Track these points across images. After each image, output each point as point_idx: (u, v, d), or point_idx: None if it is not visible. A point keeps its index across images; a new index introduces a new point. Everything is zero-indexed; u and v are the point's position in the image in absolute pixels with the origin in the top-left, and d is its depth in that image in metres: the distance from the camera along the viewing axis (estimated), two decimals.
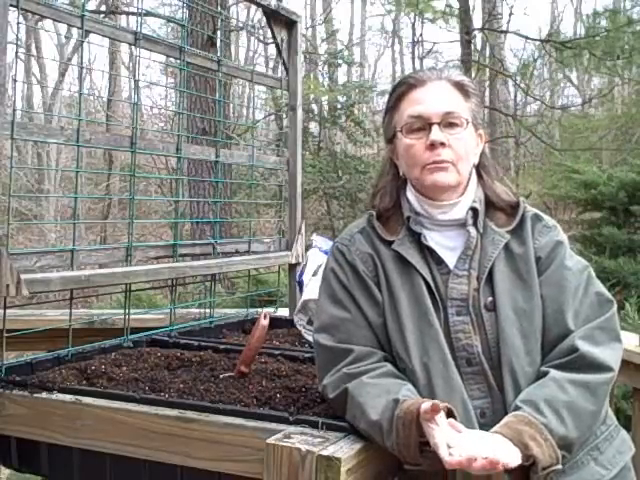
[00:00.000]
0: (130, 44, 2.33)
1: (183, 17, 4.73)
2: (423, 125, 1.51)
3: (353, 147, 13.48)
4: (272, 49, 13.58)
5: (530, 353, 1.45)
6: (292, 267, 2.96)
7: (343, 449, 1.38)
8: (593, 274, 1.54)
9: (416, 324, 1.48)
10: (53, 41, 19.91)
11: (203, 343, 2.28)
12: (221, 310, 2.99)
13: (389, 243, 1.55)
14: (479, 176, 1.60)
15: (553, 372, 1.42)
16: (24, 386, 1.77)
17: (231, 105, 12.51)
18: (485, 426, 1.41)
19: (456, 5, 10.99)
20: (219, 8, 6.36)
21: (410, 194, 1.58)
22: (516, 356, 1.44)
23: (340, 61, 13.49)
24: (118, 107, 14.63)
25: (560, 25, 17.08)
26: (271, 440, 1.40)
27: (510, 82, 13.80)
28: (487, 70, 12.99)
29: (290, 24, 2.95)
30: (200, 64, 2.68)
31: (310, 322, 2.38)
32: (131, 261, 2.24)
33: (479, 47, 13.69)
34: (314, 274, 2.53)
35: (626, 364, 2.29)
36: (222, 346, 2.24)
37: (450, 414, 1.35)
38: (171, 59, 2.66)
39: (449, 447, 1.28)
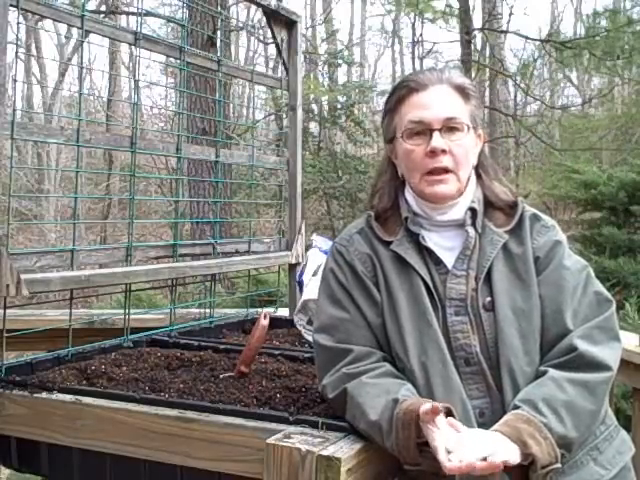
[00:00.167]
0: (130, 44, 2.33)
1: (183, 17, 4.74)
2: (424, 130, 1.50)
3: (353, 147, 13.48)
4: (272, 49, 13.59)
5: (529, 353, 1.45)
6: (292, 267, 2.97)
7: (343, 449, 1.38)
8: (592, 274, 1.54)
9: (415, 324, 1.48)
10: (53, 41, 19.93)
11: (203, 343, 2.28)
12: (221, 310, 2.99)
13: (387, 243, 1.55)
14: (478, 176, 1.60)
15: (552, 371, 1.42)
16: (24, 386, 1.77)
17: (231, 105, 12.51)
18: (484, 426, 1.41)
19: (456, 5, 10.99)
20: (219, 8, 6.36)
21: (408, 195, 1.58)
22: (515, 356, 1.44)
23: (340, 61, 13.50)
24: (118, 107, 14.63)
25: (560, 25, 17.10)
26: (271, 440, 1.40)
27: (510, 82, 13.81)
28: (487, 70, 13.00)
29: (290, 24, 2.95)
30: (200, 64, 2.68)
31: (310, 322, 2.38)
32: (131, 261, 2.24)
33: (479, 47, 13.70)
34: (314, 274, 2.53)
35: (626, 364, 2.30)
36: (222, 346, 2.24)
37: (449, 414, 1.36)
38: (171, 59, 2.66)
39: (448, 452, 1.27)
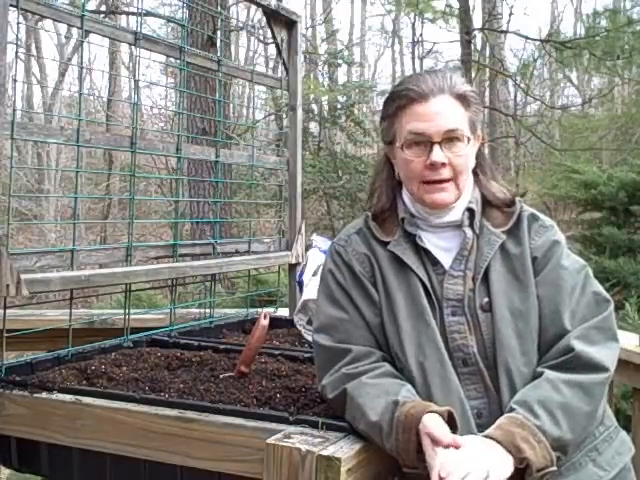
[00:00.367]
0: (130, 44, 2.33)
1: (183, 17, 4.74)
2: (424, 141, 1.49)
3: (353, 147, 13.48)
4: (272, 49, 13.59)
5: (526, 354, 1.45)
6: (292, 267, 2.97)
7: (343, 449, 1.38)
8: (590, 273, 1.54)
9: (413, 324, 1.48)
10: (53, 41, 19.93)
11: (203, 343, 2.28)
12: (221, 310, 2.99)
13: (385, 244, 1.55)
14: (475, 175, 1.59)
15: (548, 372, 1.42)
16: (24, 386, 1.77)
17: (231, 105, 12.51)
18: (481, 426, 1.41)
19: (456, 5, 10.99)
20: (219, 8, 6.36)
21: (406, 196, 1.58)
22: (512, 357, 1.44)
23: (340, 61, 13.50)
24: (118, 107, 14.63)
25: (560, 25, 17.10)
26: (271, 440, 1.40)
27: (510, 82, 13.82)
28: (487, 70, 13.01)
29: (290, 24, 2.95)
30: (200, 64, 2.68)
31: (310, 322, 2.39)
32: (131, 261, 2.24)
33: (479, 47, 13.70)
34: (314, 274, 2.53)
35: (626, 364, 2.29)
36: (222, 346, 2.24)
37: (450, 417, 1.36)
38: (171, 59, 2.66)
39: (440, 478, 1.26)
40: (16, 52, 2.16)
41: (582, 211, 7.29)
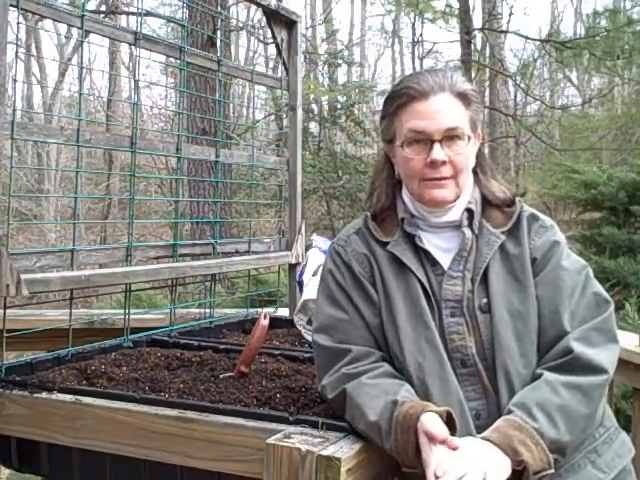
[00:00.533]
0: (130, 44, 2.33)
1: (183, 17, 4.74)
2: (424, 139, 1.48)
3: (353, 147, 13.48)
4: (272, 49, 13.59)
5: (525, 355, 1.44)
6: (292, 267, 2.96)
7: (343, 449, 1.38)
8: (591, 274, 1.53)
9: (412, 325, 1.48)
10: (53, 41, 19.94)
11: (203, 343, 2.28)
12: (221, 310, 2.99)
13: (384, 244, 1.55)
14: (475, 174, 1.59)
15: (547, 374, 1.42)
16: (24, 386, 1.77)
17: (231, 105, 12.51)
18: (480, 427, 1.41)
19: (456, 5, 10.99)
20: (219, 8, 6.36)
21: (405, 196, 1.58)
22: (510, 358, 1.43)
23: (340, 61, 13.50)
24: (118, 107, 14.64)
25: (560, 25, 17.11)
26: (271, 440, 1.40)
27: (510, 82, 13.82)
28: (487, 70, 13.01)
29: (290, 24, 2.95)
30: (200, 64, 2.68)
31: (310, 322, 2.39)
32: (131, 261, 2.24)
33: (479, 47, 13.70)
34: (314, 274, 2.53)
35: (626, 364, 2.29)
36: (222, 346, 2.24)
37: (449, 418, 1.35)
38: (171, 59, 2.66)
39: (437, 477, 1.27)
40: (16, 52, 2.16)
41: (582, 211, 7.29)
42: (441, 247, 1.53)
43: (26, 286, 1.80)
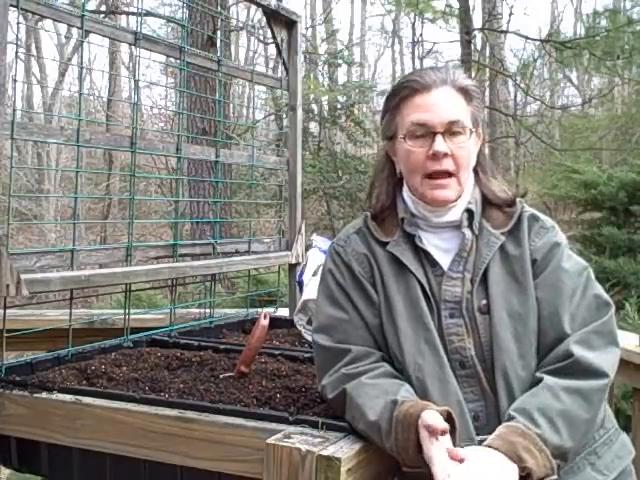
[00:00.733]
0: (130, 44, 2.32)
1: (183, 17, 4.73)
2: (426, 133, 1.48)
3: (353, 147, 13.48)
4: (272, 49, 13.59)
5: (524, 357, 1.44)
6: (292, 267, 2.96)
7: (343, 449, 1.38)
8: (592, 276, 1.52)
9: (412, 326, 1.47)
10: (53, 41, 19.95)
11: (203, 343, 2.28)
12: (221, 310, 2.99)
13: (384, 244, 1.55)
14: (475, 173, 1.58)
15: (547, 379, 1.41)
16: (24, 386, 1.77)
17: (231, 105, 12.51)
18: (479, 429, 1.41)
19: (456, 5, 11.00)
20: (219, 8, 6.36)
21: (406, 195, 1.57)
22: (509, 360, 1.43)
23: (340, 61, 13.50)
24: (118, 107, 14.64)
25: (560, 25, 17.11)
26: (271, 440, 1.40)
27: (510, 82, 13.82)
28: (487, 70, 13.00)
29: (290, 24, 2.95)
30: (200, 64, 2.68)
31: (310, 322, 2.38)
32: (131, 261, 2.24)
33: (479, 47, 13.70)
34: (314, 274, 2.53)
35: (626, 364, 2.29)
36: (222, 346, 2.23)
37: (449, 417, 1.35)
38: (171, 59, 2.66)
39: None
40: (16, 52, 2.16)
41: (582, 211, 7.30)
42: (441, 247, 1.53)
43: (26, 286, 1.80)
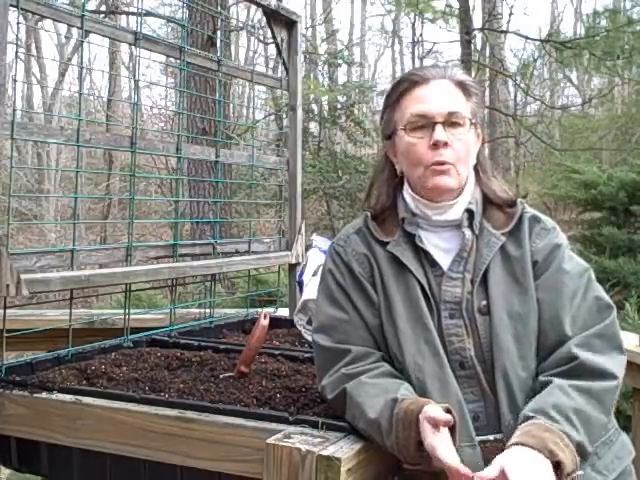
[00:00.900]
0: (130, 44, 2.32)
1: (183, 17, 4.73)
2: (426, 124, 1.49)
3: (353, 147, 13.48)
4: (272, 49, 13.59)
5: (524, 358, 1.43)
6: (292, 267, 2.96)
7: (343, 449, 1.38)
8: (593, 277, 1.52)
9: (411, 327, 1.47)
10: (53, 41, 19.95)
11: (203, 343, 2.28)
12: (221, 310, 2.99)
13: (384, 244, 1.55)
14: (476, 173, 1.58)
15: (555, 380, 1.39)
16: (24, 386, 1.77)
17: (231, 105, 12.51)
18: (478, 429, 1.41)
19: (456, 5, 10.99)
20: (219, 8, 6.36)
21: (407, 194, 1.56)
22: (509, 361, 1.42)
23: (340, 61, 13.50)
24: (118, 107, 14.64)
25: (560, 25, 17.11)
26: (271, 440, 1.40)
27: (510, 82, 13.81)
28: (487, 70, 13.01)
29: (290, 24, 2.95)
30: (200, 64, 2.68)
31: (310, 322, 2.39)
32: (131, 261, 2.24)
33: (479, 47, 13.70)
34: (314, 274, 2.53)
35: (627, 364, 2.28)
36: (222, 346, 2.24)
37: (449, 414, 1.35)
38: (171, 59, 2.66)
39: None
40: (16, 52, 2.16)
41: (582, 211, 7.29)
42: (441, 247, 1.53)
43: (26, 286, 1.80)
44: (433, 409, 1.32)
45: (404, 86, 1.54)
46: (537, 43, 11.73)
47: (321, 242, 2.68)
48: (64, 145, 2.47)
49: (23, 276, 1.80)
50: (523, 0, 23.06)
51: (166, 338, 2.34)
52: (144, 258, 2.37)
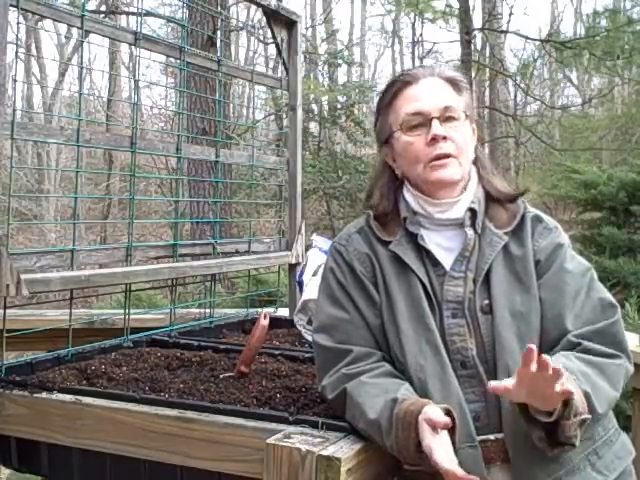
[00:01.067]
0: (130, 44, 2.32)
1: (183, 17, 4.74)
2: (422, 121, 1.50)
3: (353, 147, 13.48)
4: (272, 49, 13.59)
5: None
6: (292, 267, 2.96)
7: (343, 449, 1.38)
8: (595, 277, 1.52)
9: (413, 326, 1.47)
10: (53, 41, 19.95)
11: (203, 343, 2.28)
12: (221, 310, 2.99)
13: (386, 243, 1.54)
14: (476, 170, 1.59)
15: (559, 353, 1.40)
16: (24, 386, 1.77)
17: (231, 105, 12.51)
18: (479, 429, 1.41)
19: (456, 5, 10.99)
20: (219, 8, 6.36)
21: (408, 194, 1.56)
22: (512, 360, 1.42)
23: (340, 61, 13.50)
24: (118, 107, 14.64)
25: (560, 25, 17.12)
26: (271, 440, 1.40)
27: (510, 82, 13.81)
28: (487, 70, 13.02)
29: (290, 24, 2.95)
30: (200, 64, 2.68)
31: (310, 322, 2.38)
32: (131, 261, 2.24)
33: (479, 47, 13.71)
34: (314, 274, 2.53)
35: None
36: (222, 346, 2.23)
37: (448, 414, 1.35)
38: (171, 59, 2.66)
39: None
40: (16, 52, 2.16)
41: (582, 211, 7.28)
42: (443, 246, 1.52)
43: (26, 286, 1.80)
44: (432, 410, 1.32)
45: (395, 87, 1.55)
46: (537, 43, 11.74)
47: (321, 242, 2.68)
48: (64, 145, 2.46)
49: (23, 276, 1.80)
50: (523, 0, 23.09)
51: (166, 338, 2.34)
52: (144, 258, 2.37)
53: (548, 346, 1.45)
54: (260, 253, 2.88)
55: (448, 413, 1.35)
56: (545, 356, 1.22)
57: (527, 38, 11.61)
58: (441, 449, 1.28)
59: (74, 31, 12.79)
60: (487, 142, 13.49)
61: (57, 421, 1.68)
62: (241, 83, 13.16)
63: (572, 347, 1.42)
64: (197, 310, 2.80)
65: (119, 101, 15.49)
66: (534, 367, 1.22)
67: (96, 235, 13.16)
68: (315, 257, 2.62)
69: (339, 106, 12.26)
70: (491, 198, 1.56)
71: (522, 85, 12.97)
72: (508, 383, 1.28)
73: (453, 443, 1.32)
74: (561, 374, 1.22)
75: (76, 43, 14.66)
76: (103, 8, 12.30)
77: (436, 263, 1.52)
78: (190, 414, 1.57)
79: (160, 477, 1.62)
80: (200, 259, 2.68)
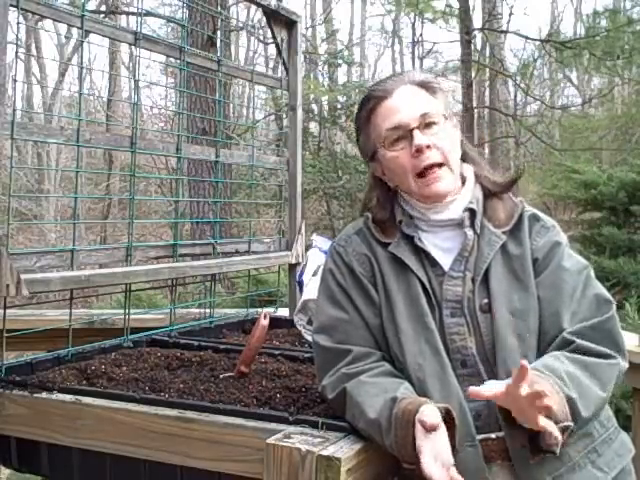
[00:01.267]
0: (130, 44, 2.32)
1: (183, 17, 4.73)
2: (403, 134, 1.50)
3: (353, 147, 13.45)
4: (272, 49, 13.59)
5: (526, 355, 1.43)
6: (292, 267, 2.96)
7: (343, 449, 1.38)
8: (592, 274, 1.53)
9: (412, 326, 1.47)
10: (53, 41, 19.96)
11: (203, 343, 2.28)
12: (221, 310, 2.99)
13: (385, 245, 1.55)
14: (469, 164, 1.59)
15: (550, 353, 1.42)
16: (24, 386, 1.77)
17: (231, 105, 12.51)
18: (480, 428, 1.41)
19: (456, 5, 11.00)
20: (219, 8, 6.36)
21: (403, 201, 1.57)
22: (512, 358, 1.42)
23: (340, 61, 13.49)
24: (118, 107, 14.64)
25: (560, 25, 17.11)
26: (271, 440, 1.40)
27: (510, 82, 13.81)
28: (487, 70, 13.01)
29: (290, 24, 2.95)
30: (200, 64, 2.68)
31: (310, 322, 2.38)
32: (131, 261, 2.24)
33: (479, 47, 13.71)
34: (314, 274, 2.53)
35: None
36: (222, 346, 2.24)
37: (448, 415, 1.35)
38: (171, 59, 2.66)
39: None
40: (16, 52, 2.16)
41: (582, 211, 7.28)
42: (441, 247, 1.53)
43: (26, 286, 1.80)
44: (428, 410, 1.33)
45: (371, 104, 1.55)
46: (537, 43, 11.73)
47: (321, 242, 2.68)
48: (64, 145, 2.46)
49: (23, 276, 1.80)
50: (523, 0, 23.09)
51: (166, 338, 2.34)
52: (144, 258, 2.37)
53: (546, 344, 1.45)
54: (260, 253, 2.88)
55: (448, 413, 1.35)
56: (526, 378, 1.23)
57: (527, 38, 11.62)
58: (430, 453, 1.29)
59: (74, 31, 12.80)
60: (487, 142, 13.51)
61: (57, 421, 1.68)
62: (241, 83, 13.16)
63: (566, 345, 1.42)
64: (197, 310, 2.80)
65: (119, 101, 15.50)
66: (524, 390, 1.23)
67: (96, 235, 13.16)
68: (315, 257, 2.62)
69: (339, 106, 12.25)
70: (489, 194, 1.56)
71: (522, 85, 12.96)
72: (491, 392, 1.29)
73: (453, 444, 1.33)
74: (543, 396, 1.22)
75: (76, 43, 14.66)
76: (103, 8, 12.30)
77: (434, 263, 1.52)
78: (190, 414, 1.57)
79: (160, 477, 1.62)
80: (200, 259, 2.68)
